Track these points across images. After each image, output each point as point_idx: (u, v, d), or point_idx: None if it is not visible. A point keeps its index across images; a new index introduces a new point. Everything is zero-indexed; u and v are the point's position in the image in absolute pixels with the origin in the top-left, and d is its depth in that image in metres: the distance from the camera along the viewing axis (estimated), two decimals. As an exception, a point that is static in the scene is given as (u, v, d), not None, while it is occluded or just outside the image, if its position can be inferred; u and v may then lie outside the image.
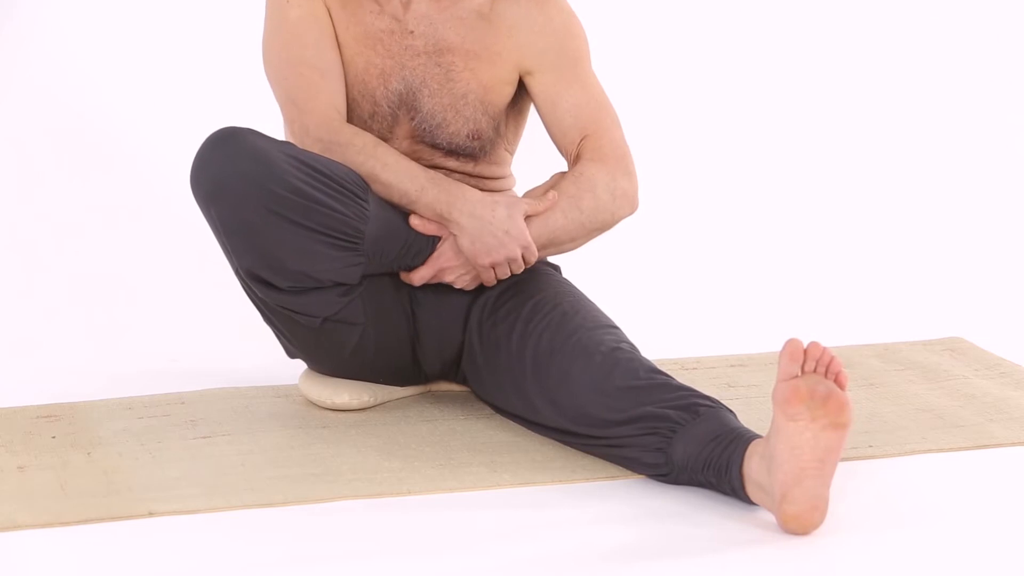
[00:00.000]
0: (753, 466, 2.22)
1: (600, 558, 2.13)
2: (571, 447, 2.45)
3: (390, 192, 2.49)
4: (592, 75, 2.62)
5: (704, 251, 3.47)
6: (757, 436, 2.27)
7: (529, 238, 2.49)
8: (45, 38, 3.36)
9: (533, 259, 2.52)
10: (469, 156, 2.59)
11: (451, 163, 2.59)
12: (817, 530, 2.19)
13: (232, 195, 2.34)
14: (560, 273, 2.66)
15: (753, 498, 2.24)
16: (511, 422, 2.56)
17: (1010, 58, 3.86)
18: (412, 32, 2.55)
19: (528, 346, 2.48)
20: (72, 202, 3.28)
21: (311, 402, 2.63)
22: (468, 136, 2.57)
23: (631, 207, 2.58)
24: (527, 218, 2.51)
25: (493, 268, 2.51)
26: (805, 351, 2.17)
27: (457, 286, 2.54)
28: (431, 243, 2.52)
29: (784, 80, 3.73)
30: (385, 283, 2.54)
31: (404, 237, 2.49)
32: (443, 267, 2.52)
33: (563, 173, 2.58)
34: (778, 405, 2.15)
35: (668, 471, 2.32)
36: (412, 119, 2.56)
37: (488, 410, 2.61)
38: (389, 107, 2.55)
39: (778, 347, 2.29)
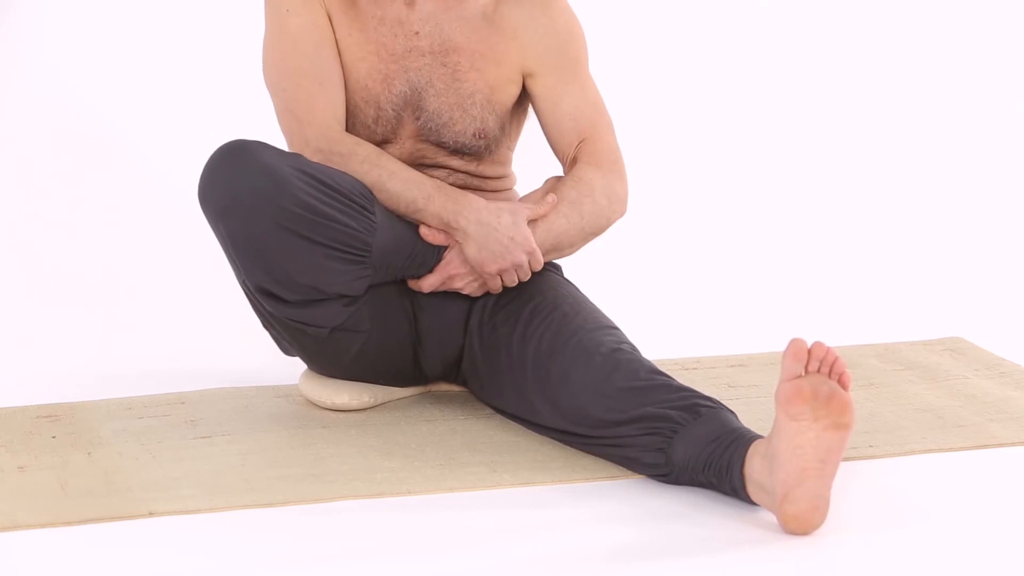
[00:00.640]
0: (754, 466, 2.22)
1: (600, 558, 2.13)
2: (571, 447, 2.45)
3: (397, 201, 2.49)
4: (590, 78, 2.63)
5: (704, 251, 3.47)
6: (758, 436, 2.27)
7: (534, 244, 2.50)
8: (44, 38, 3.36)
9: (538, 265, 2.52)
10: (474, 155, 2.59)
11: (455, 162, 2.59)
12: (818, 530, 2.18)
13: (243, 211, 2.33)
14: (561, 273, 2.66)
15: (754, 498, 2.23)
16: (511, 422, 2.56)
17: (1010, 58, 3.86)
18: (417, 33, 2.54)
19: (528, 348, 2.48)
20: (72, 202, 3.28)
21: (311, 402, 2.63)
22: (474, 135, 2.57)
23: (623, 211, 2.60)
24: (530, 224, 2.51)
25: (500, 275, 2.51)
26: (809, 351, 2.17)
27: (465, 292, 2.54)
28: (436, 253, 2.52)
29: (785, 81, 3.73)
30: (388, 288, 2.54)
31: (410, 248, 2.49)
32: (451, 275, 2.52)
33: (559, 178, 2.58)
34: (781, 405, 2.15)
35: (668, 471, 2.32)
36: (417, 119, 2.56)
37: (488, 410, 2.61)
38: (393, 110, 2.55)
39: (778, 347, 2.30)
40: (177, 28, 3.42)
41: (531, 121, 2.68)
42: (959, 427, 2.60)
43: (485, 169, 2.62)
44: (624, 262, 3.33)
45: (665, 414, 2.32)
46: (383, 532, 2.21)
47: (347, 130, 2.55)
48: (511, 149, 2.68)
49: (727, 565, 2.12)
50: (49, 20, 3.36)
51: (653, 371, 2.39)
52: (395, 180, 2.49)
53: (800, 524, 2.17)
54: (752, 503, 2.25)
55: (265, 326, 2.54)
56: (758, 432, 2.29)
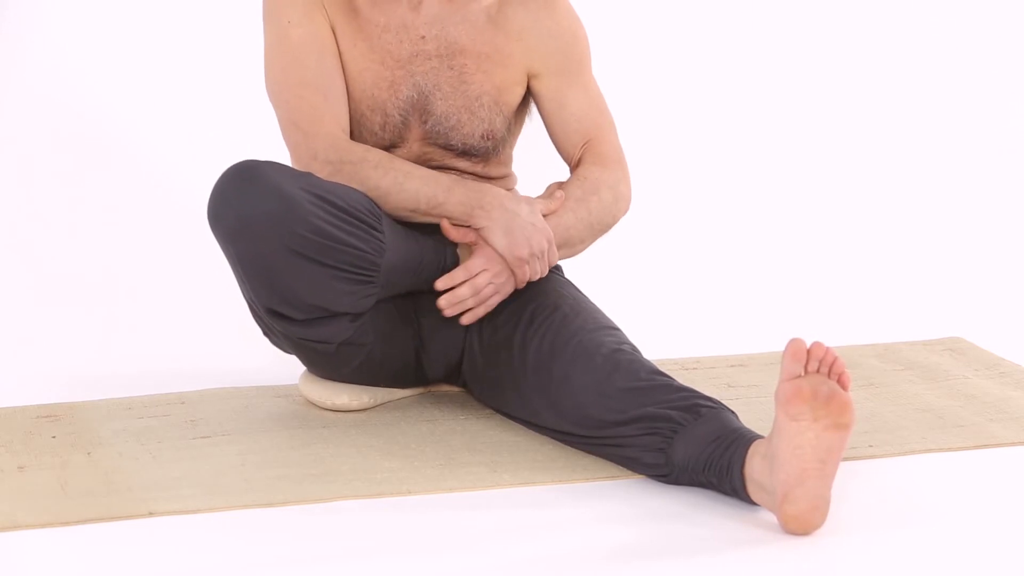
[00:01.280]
0: (755, 466, 2.22)
1: (600, 558, 2.13)
2: (571, 446, 2.45)
3: (417, 199, 2.48)
4: (593, 79, 2.64)
5: (704, 251, 3.47)
6: (759, 436, 2.27)
7: (551, 233, 2.50)
8: (44, 38, 3.36)
9: (555, 258, 2.52)
10: (481, 157, 2.59)
11: (462, 164, 2.59)
12: (818, 530, 2.18)
13: (254, 235, 2.33)
14: (562, 274, 2.66)
15: (754, 498, 2.23)
16: (511, 422, 2.56)
17: (1010, 58, 3.86)
18: (423, 36, 2.54)
19: (529, 348, 2.48)
20: (72, 202, 3.28)
21: (311, 403, 2.63)
22: (482, 137, 2.57)
23: (627, 207, 2.61)
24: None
25: (527, 263, 2.49)
26: (808, 351, 2.17)
27: (484, 295, 2.50)
28: (441, 268, 2.50)
29: (784, 81, 3.73)
30: (392, 298, 2.54)
31: (416, 264, 2.48)
32: (479, 270, 2.49)
33: (560, 183, 2.59)
34: (780, 405, 2.15)
35: (668, 471, 2.32)
36: (424, 122, 2.56)
37: (488, 410, 2.61)
38: (400, 115, 2.55)
39: (778, 347, 2.30)
40: (177, 28, 3.42)
41: (531, 122, 2.68)
42: (959, 427, 2.60)
43: (490, 170, 2.62)
44: (624, 262, 3.33)
45: (665, 414, 2.32)
46: (383, 532, 2.21)
47: (353, 138, 2.55)
48: (512, 148, 2.69)
49: (727, 565, 2.12)
50: (49, 20, 3.36)
51: (654, 371, 2.39)
52: (412, 179, 2.49)
53: (800, 524, 2.17)
54: (752, 503, 2.25)
55: (265, 334, 2.54)
56: (758, 432, 2.29)
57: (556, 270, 2.66)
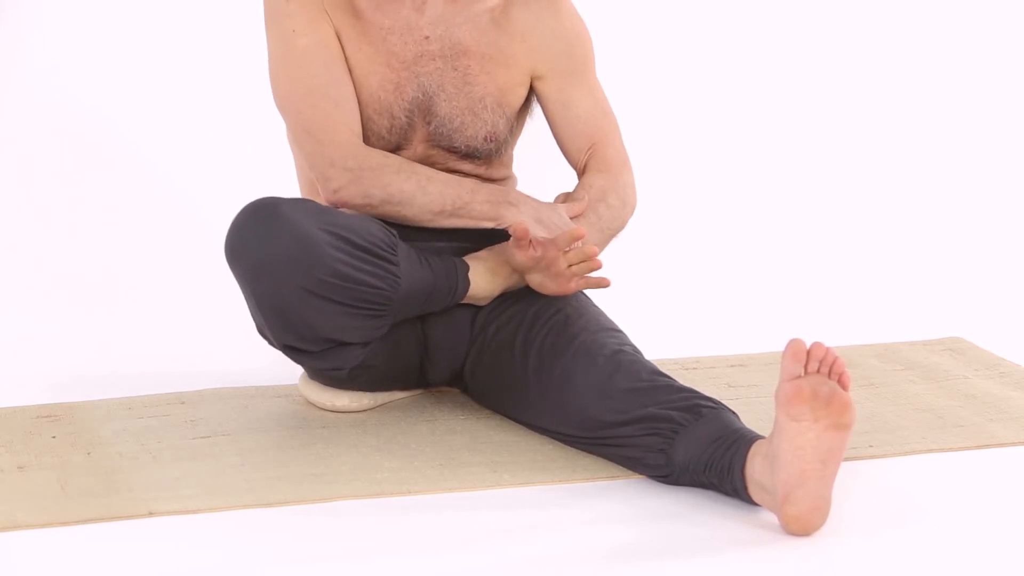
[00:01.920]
0: (755, 467, 2.22)
1: (600, 558, 2.13)
2: (572, 446, 2.45)
3: (441, 200, 2.48)
4: (597, 80, 2.65)
5: (704, 252, 3.47)
6: (759, 437, 2.27)
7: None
8: (44, 38, 3.36)
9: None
10: (483, 159, 2.59)
11: (465, 166, 2.59)
12: (818, 531, 2.18)
13: (273, 276, 2.33)
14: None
15: (755, 499, 2.23)
16: (511, 422, 2.56)
17: (1010, 58, 3.86)
18: (427, 37, 2.54)
19: (531, 350, 2.48)
20: (72, 202, 3.28)
21: (311, 404, 2.63)
22: (485, 138, 2.57)
23: (633, 212, 2.63)
24: None
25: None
26: (808, 351, 2.17)
27: (559, 272, 2.46)
28: (451, 293, 2.49)
29: (784, 82, 3.73)
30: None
31: (428, 292, 2.47)
32: (546, 240, 2.45)
33: (567, 194, 2.59)
34: (781, 405, 2.15)
35: (669, 472, 2.32)
36: (428, 124, 2.56)
37: (488, 410, 2.61)
38: (406, 116, 2.54)
39: (778, 347, 2.29)
40: (177, 28, 3.42)
41: (532, 123, 2.68)
42: (959, 427, 2.60)
43: (493, 172, 2.62)
44: (624, 263, 3.32)
45: (667, 415, 2.32)
46: (383, 532, 2.21)
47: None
48: (513, 149, 2.69)
49: (727, 565, 2.12)
50: (49, 20, 3.36)
51: (655, 372, 2.39)
52: (434, 183, 2.49)
53: (801, 525, 2.17)
54: (753, 503, 2.25)
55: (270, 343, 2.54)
56: (759, 433, 2.29)
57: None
